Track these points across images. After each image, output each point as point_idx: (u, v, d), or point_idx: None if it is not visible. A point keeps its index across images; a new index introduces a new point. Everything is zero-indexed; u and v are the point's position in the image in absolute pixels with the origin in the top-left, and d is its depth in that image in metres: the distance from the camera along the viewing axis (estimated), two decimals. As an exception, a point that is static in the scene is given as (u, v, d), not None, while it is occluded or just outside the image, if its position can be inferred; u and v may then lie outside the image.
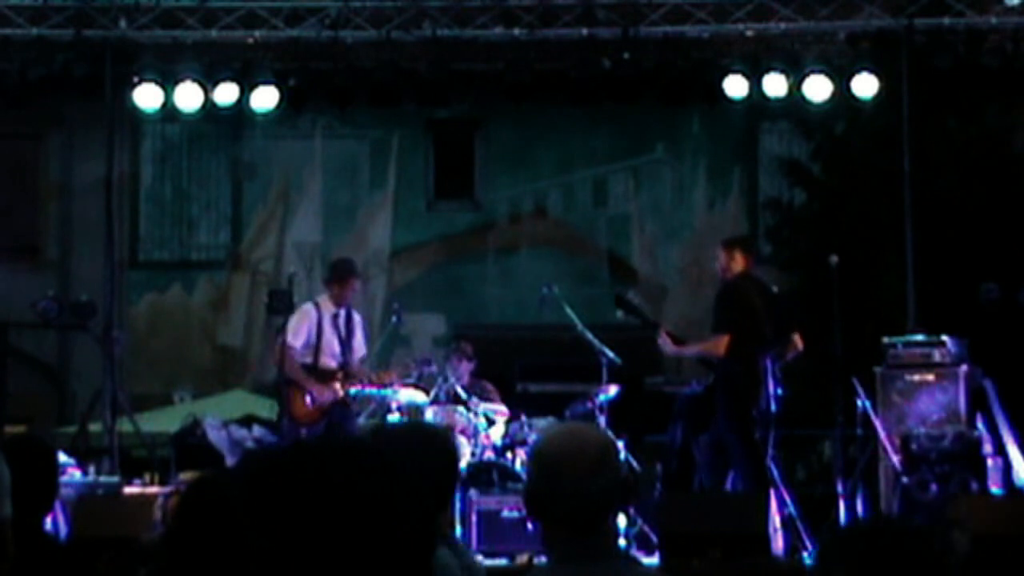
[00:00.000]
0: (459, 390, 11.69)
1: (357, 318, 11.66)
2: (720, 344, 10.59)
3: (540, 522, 3.22)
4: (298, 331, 11.43)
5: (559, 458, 3.16)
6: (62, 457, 10.20)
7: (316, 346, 11.41)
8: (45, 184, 21.37)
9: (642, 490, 11.13)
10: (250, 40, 14.52)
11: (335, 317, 11.46)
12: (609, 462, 3.19)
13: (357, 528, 1.98)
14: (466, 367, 12.18)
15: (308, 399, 11.32)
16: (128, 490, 11.63)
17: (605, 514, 3.16)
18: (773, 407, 10.63)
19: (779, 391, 10.77)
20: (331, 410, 11.31)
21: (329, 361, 11.44)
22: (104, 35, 14.35)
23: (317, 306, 11.53)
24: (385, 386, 11.50)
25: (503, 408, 11.94)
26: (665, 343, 10.96)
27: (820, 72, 14.09)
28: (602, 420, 11.14)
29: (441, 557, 3.19)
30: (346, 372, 11.41)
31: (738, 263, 10.96)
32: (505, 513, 10.76)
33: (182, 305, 21.39)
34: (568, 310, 11.63)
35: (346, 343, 11.46)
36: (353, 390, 11.55)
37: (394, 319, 12.68)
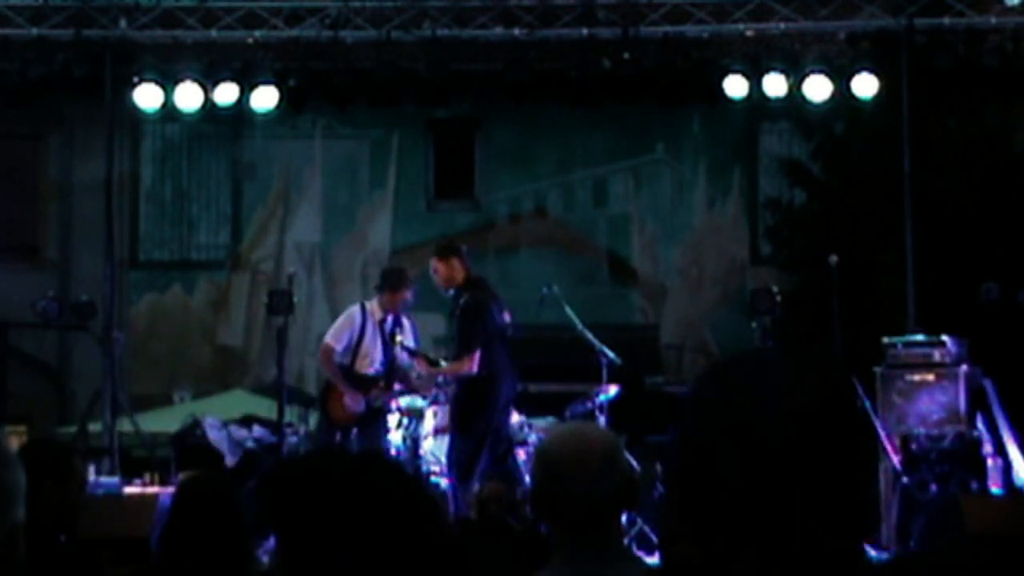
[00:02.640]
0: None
1: (407, 323, 11.57)
2: (472, 362, 10.64)
3: (545, 523, 3.21)
4: (340, 334, 11.39)
5: (565, 459, 3.14)
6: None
7: (355, 351, 11.35)
8: (45, 184, 21.37)
9: (642, 490, 11.12)
10: (250, 40, 14.52)
11: (382, 323, 11.39)
12: (615, 463, 3.18)
13: (370, 537, 2.00)
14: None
15: (347, 402, 11.28)
16: (128, 490, 11.63)
17: (611, 515, 3.15)
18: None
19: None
20: (364, 418, 11.26)
21: (367, 367, 11.36)
22: (104, 35, 14.35)
23: (364, 310, 11.46)
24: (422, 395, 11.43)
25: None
26: (420, 366, 11.02)
27: (820, 72, 14.09)
28: (602, 420, 11.14)
29: None
30: (389, 381, 11.35)
31: (459, 271, 10.97)
32: (505, 513, 10.75)
33: (182, 305, 21.39)
34: (568, 310, 11.62)
35: (390, 351, 11.39)
36: (397, 400, 11.48)
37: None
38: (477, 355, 10.64)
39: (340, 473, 2.08)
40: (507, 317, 11.05)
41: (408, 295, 11.51)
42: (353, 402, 11.20)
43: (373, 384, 11.30)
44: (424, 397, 11.33)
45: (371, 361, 11.34)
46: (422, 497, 2.11)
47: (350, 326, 11.38)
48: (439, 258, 11.12)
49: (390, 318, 11.42)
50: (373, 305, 11.46)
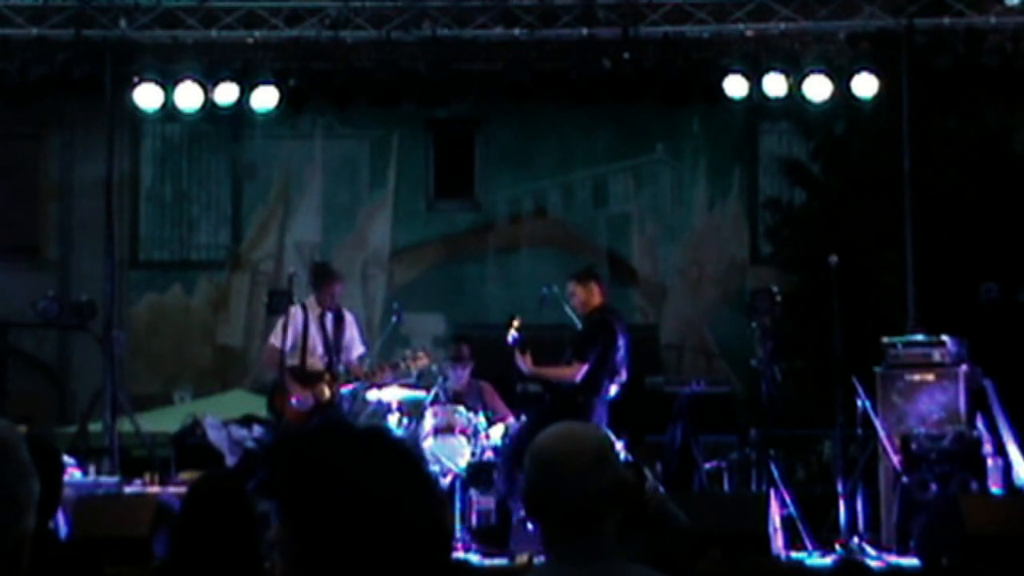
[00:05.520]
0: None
1: (349, 317, 11.66)
2: (579, 370, 10.63)
3: (538, 521, 3.23)
4: (279, 332, 11.45)
5: (557, 457, 3.16)
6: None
7: (302, 347, 11.41)
8: (45, 184, 21.36)
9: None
10: (250, 40, 14.53)
11: (321, 317, 11.48)
12: (607, 461, 3.19)
13: (372, 516, 2.00)
14: (462, 371, 12.15)
15: (294, 400, 11.33)
16: (128, 490, 11.64)
17: (603, 513, 3.16)
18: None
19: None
20: (316, 413, 11.29)
21: (316, 362, 11.44)
22: (104, 35, 14.35)
23: (304, 308, 11.54)
24: (379, 384, 11.49)
25: (505, 413, 11.89)
26: (524, 363, 10.98)
27: (820, 72, 14.09)
28: (602, 420, 11.14)
29: None
30: (333, 373, 11.40)
31: (595, 296, 11.00)
32: (505, 513, 10.76)
33: (182, 305, 21.38)
34: (568, 310, 11.62)
35: (333, 344, 11.46)
36: (345, 390, 11.53)
37: (394, 319, 12.70)
38: (586, 367, 10.64)
39: (345, 444, 2.08)
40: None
41: (336, 288, 11.61)
42: (303, 399, 11.25)
43: (319, 379, 11.36)
44: (377, 387, 11.37)
45: (319, 356, 11.42)
46: (425, 476, 2.11)
47: (293, 324, 11.44)
48: (578, 281, 11.12)
49: (330, 314, 11.49)
50: (311, 301, 11.56)
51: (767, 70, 14.20)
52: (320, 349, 11.46)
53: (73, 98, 16.21)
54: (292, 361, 11.41)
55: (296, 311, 11.54)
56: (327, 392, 11.32)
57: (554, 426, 3.30)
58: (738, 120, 19.39)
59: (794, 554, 10.57)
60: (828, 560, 10.45)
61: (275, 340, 11.50)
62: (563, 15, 14.47)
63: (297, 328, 11.44)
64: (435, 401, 11.61)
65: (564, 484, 3.13)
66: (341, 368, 11.45)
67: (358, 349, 11.65)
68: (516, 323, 11.13)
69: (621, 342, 10.90)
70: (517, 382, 12.64)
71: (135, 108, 14.75)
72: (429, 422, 11.40)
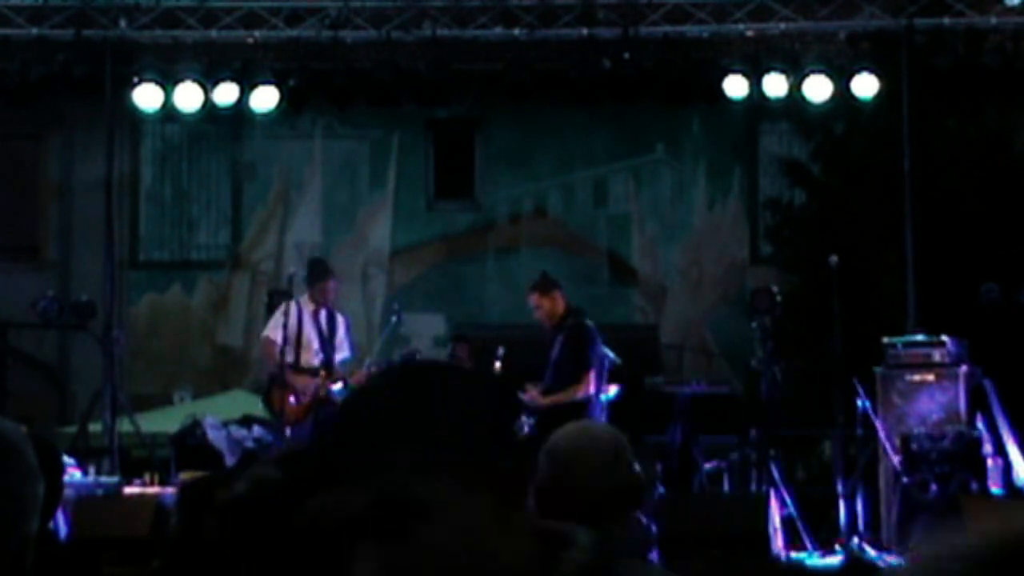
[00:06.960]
0: None
1: (340, 319, 11.70)
2: (588, 384, 10.59)
3: (549, 517, 3.22)
4: (275, 327, 11.48)
5: (572, 455, 3.16)
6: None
7: (297, 342, 11.44)
8: (45, 184, 21.36)
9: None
10: (250, 40, 14.53)
11: (315, 315, 11.51)
12: (620, 461, 3.20)
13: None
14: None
15: (292, 398, 11.34)
16: (128, 490, 11.64)
17: (615, 511, 3.16)
18: None
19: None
20: (316, 408, 11.32)
21: (311, 359, 11.47)
22: (104, 35, 14.36)
23: (298, 304, 11.57)
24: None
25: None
26: (533, 399, 10.91)
27: (820, 72, 14.10)
28: (602, 420, 11.13)
29: None
30: (328, 371, 11.44)
31: (560, 304, 10.95)
32: (505, 513, 10.74)
33: (182, 305, 21.37)
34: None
35: (327, 342, 11.49)
36: (336, 388, 11.55)
37: (394, 319, 12.69)
38: (592, 375, 10.61)
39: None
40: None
41: (330, 286, 11.60)
42: (303, 392, 11.28)
43: (315, 375, 11.39)
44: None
45: (314, 352, 11.44)
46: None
47: (283, 319, 11.45)
48: (541, 293, 11.03)
49: (323, 312, 11.52)
50: (304, 298, 11.58)
51: (767, 70, 14.20)
52: (316, 344, 11.50)
53: (73, 98, 16.22)
54: (287, 358, 11.42)
55: (290, 306, 11.57)
56: (323, 388, 11.35)
57: (570, 424, 3.30)
58: (738, 120, 19.37)
59: (794, 554, 10.56)
60: (832, 560, 10.46)
61: (271, 333, 11.52)
62: (563, 15, 14.48)
63: (291, 324, 11.45)
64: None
65: (576, 481, 3.13)
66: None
67: (343, 353, 11.68)
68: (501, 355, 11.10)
69: (598, 337, 10.89)
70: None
71: (135, 108, 14.76)
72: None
